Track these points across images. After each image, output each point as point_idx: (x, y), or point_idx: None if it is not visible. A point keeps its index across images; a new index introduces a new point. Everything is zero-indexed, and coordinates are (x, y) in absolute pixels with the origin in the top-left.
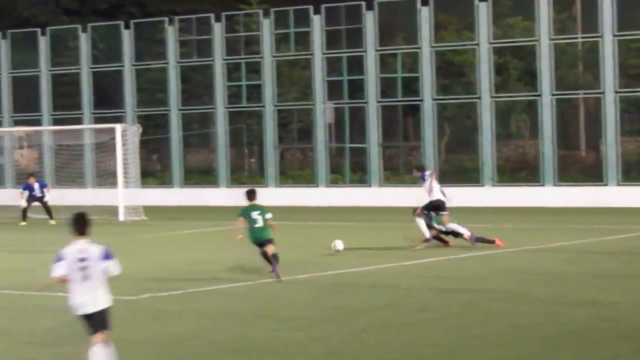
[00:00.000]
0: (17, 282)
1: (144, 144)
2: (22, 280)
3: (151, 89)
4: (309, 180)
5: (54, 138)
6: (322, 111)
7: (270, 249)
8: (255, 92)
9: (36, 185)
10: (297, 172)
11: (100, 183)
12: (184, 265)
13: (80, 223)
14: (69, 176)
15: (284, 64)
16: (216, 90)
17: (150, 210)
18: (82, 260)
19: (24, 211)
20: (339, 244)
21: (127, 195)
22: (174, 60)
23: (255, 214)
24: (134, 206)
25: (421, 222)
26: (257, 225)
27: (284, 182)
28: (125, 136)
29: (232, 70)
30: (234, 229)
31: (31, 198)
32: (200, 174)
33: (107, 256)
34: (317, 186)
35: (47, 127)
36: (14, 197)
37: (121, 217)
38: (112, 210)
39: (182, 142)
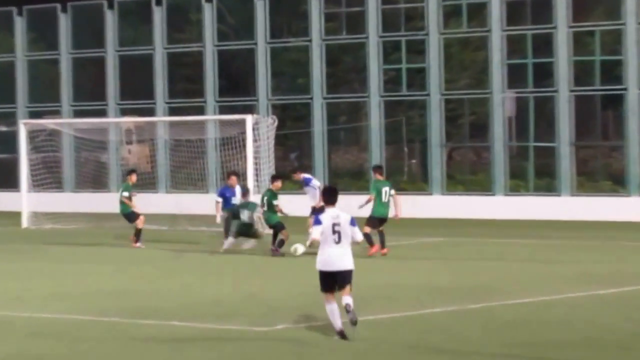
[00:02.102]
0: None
1: (280, 140)
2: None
3: (290, 72)
4: (484, 186)
5: (170, 131)
6: (501, 101)
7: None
8: (418, 78)
9: (237, 189)
10: (468, 176)
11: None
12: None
13: (332, 194)
14: (188, 179)
15: (454, 43)
16: (370, 75)
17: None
18: (335, 224)
19: (228, 230)
20: (300, 248)
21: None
22: (319, 38)
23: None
24: None
25: None
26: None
27: (452, 189)
28: (258, 130)
29: (389, 50)
30: None
31: (230, 208)
32: (349, 177)
33: (353, 223)
34: (493, 194)
35: (161, 118)
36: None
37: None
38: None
39: (327, 138)
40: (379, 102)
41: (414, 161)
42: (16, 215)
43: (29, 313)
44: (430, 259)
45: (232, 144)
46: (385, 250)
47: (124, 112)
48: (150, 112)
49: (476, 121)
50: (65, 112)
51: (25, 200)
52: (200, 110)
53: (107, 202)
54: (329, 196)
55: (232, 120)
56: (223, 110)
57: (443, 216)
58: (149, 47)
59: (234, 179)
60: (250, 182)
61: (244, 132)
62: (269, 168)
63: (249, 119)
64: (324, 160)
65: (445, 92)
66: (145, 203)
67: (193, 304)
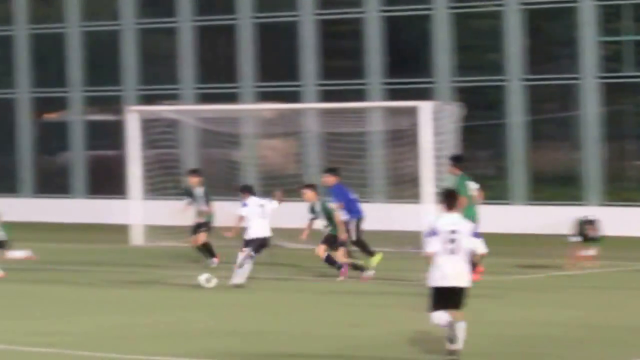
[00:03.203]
0: None
1: (466, 133)
2: None
3: (479, 46)
4: None
5: (321, 122)
6: None
7: None
8: None
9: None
10: None
11: (395, 194)
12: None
13: (451, 198)
14: (345, 182)
15: None
16: (583, 49)
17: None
18: (452, 232)
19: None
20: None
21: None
22: (515, 1)
23: None
24: None
25: None
26: None
27: None
28: (437, 121)
29: (609, 18)
30: None
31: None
32: (557, 184)
33: (475, 234)
34: None
35: (311, 105)
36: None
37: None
38: (415, 236)
39: (528, 132)
40: (594, 85)
41: None
42: (123, 229)
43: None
44: None
45: (403, 138)
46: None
47: (264, 98)
48: (297, 98)
49: None
50: (187, 97)
51: (136, 210)
52: (361, 95)
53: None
54: (448, 201)
55: (402, 108)
56: (391, 95)
57: None
58: (295, 13)
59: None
60: (425, 187)
61: (416, 124)
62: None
63: (425, 107)
64: (522, 161)
65: None
66: (291, 212)
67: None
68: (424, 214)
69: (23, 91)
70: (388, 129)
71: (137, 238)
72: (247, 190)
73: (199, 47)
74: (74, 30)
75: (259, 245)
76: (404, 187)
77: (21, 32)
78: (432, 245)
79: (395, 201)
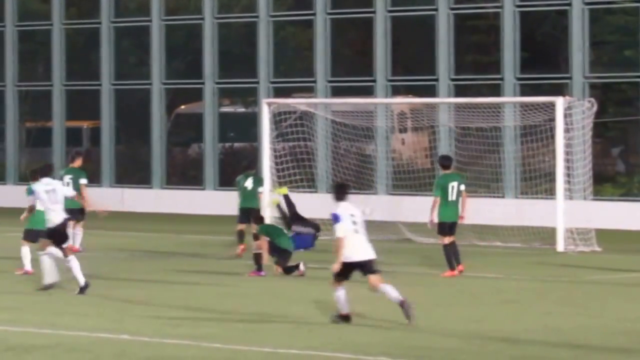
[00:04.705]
0: None
1: (600, 130)
2: None
3: (615, 41)
4: None
5: (456, 116)
6: None
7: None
8: None
9: None
10: None
11: (526, 190)
12: None
13: (343, 190)
14: (478, 178)
15: None
16: None
17: (606, 236)
18: (352, 216)
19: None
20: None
21: (570, 212)
22: None
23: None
24: (582, 229)
25: None
26: None
27: None
28: (570, 116)
29: None
30: None
31: None
32: None
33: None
34: None
35: (445, 99)
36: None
37: (560, 246)
38: (546, 234)
39: None
40: None
41: None
42: None
43: None
44: None
45: (536, 134)
46: (461, 268)
47: (397, 91)
48: (431, 92)
49: None
50: (321, 90)
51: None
52: (496, 90)
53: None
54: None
55: (537, 103)
56: (524, 90)
57: None
58: (430, 7)
59: None
60: (559, 186)
61: (551, 120)
62: (583, 167)
63: (560, 102)
64: None
65: None
66: (416, 208)
67: None
68: (557, 212)
69: (156, 82)
70: (522, 124)
71: None
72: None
73: (334, 40)
74: (208, 22)
75: None
76: (534, 182)
77: (155, 23)
78: (342, 230)
79: (526, 196)
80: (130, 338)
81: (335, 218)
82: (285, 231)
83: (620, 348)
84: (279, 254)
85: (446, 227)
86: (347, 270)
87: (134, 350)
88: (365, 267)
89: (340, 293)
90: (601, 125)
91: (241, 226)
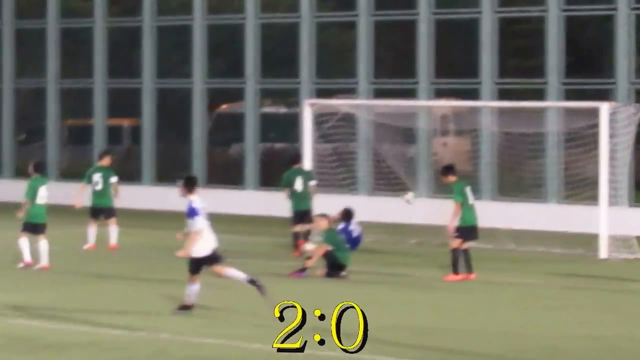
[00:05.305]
0: None
1: None
2: None
3: None
4: None
5: (499, 120)
6: None
7: None
8: None
9: None
10: None
11: (567, 196)
12: None
13: (193, 183)
14: (520, 184)
15: None
16: None
17: None
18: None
19: None
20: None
21: (612, 219)
22: None
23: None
24: (623, 237)
25: None
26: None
27: None
28: (615, 122)
29: None
30: None
31: None
32: None
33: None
34: None
35: (488, 103)
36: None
37: (602, 253)
38: (586, 241)
39: None
40: None
41: None
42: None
43: None
44: None
45: (579, 139)
46: (473, 275)
47: (440, 94)
48: (474, 95)
49: None
50: (363, 92)
51: None
52: (539, 95)
53: (409, 209)
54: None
55: (581, 108)
56: (568, 95)
57: None
58: (475, 9)
59: None
60: (603, 193)
61: (595, 125)
62: (625, 174)
63: (604, 108)
64: None
65: None
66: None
67: None
68: (600, 217)
69: (198, 81)
70: (565, 129)
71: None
72: None
73: (376, 41)
74: (250, 21)
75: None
76: (576, 188)
77: (198, 22)
78: (200, 224)
79: (567, 202)
80: (169, 337)
81: (194, 212)
82: (347, 245)
83: None
84: (333, 267)
85: (472, 231)
86: (200, 265)
87: (173, 349)
88: (215, 259)
89: (196, 287)
90: None
91: (297, 227)
